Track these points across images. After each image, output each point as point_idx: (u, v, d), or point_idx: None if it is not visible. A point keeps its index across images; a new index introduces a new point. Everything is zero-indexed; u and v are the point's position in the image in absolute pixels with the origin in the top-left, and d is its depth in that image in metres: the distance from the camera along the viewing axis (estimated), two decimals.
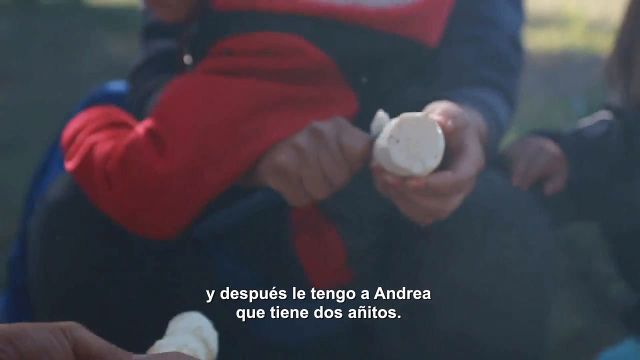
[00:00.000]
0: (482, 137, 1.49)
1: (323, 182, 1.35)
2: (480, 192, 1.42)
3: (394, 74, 1.50)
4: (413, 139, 1.25)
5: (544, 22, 5.32)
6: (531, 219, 1.49)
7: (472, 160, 1.33)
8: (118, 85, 1.81)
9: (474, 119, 1.47)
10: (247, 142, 1.39)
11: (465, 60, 1.60)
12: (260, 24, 1.44)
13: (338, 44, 1.44)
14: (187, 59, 1.55)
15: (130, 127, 1.50)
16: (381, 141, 1.29)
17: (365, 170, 1.37)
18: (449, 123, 1.32)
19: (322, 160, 1.34)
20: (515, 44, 1.67)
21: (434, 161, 1.26)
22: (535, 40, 4.89)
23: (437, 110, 1.34)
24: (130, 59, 1.70)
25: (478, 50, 1.61)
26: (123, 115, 1.53)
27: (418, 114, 1.26)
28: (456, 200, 1.33)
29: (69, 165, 1.48)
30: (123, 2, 7.04)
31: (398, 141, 1.25)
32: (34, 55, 5.66)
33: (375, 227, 1.52)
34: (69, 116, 1.70)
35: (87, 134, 1.48)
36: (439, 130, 1.26)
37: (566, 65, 4.46)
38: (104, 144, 1.45)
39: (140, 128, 1.45)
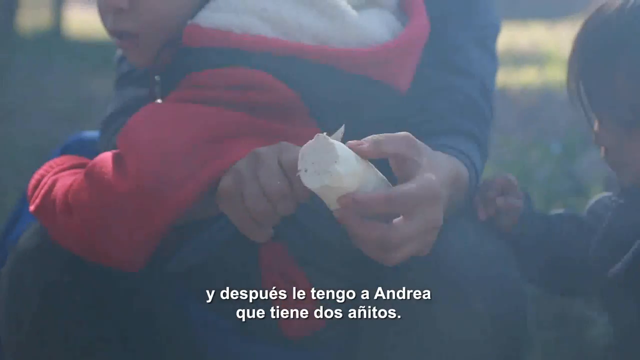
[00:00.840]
0: (461, 182, 1.49)
1: (262, 197, 1.33)
2: (450, 241, 1.42)
3: (362, 116, 1.50)
4: (316, 161, 1.26)
5: (522, 60, 5.36)
6: (502, 269, 1.49)
7: (417, 186, 1.28)
8: (92, 133, 1.80)
9: (450, 164, 1.47)
10: (208, 164, 1.39)
11: (438, 109, 1.60)
12: (230, 60, 1.44)
13: (306, 83, 1.45)
14: (159, 101, 1.56)
15: None
16: None
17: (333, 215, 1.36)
18: (364, 145, 1.30)
19: (260, 175, 1.33)
20: (487, 93, 1.67)
21: (336, 166, 1.25)
22: (514, 78, 4.93)
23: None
24: (109, 98, 1.70)
25: (452, 100, 1.61)
26: (88, 160, 1.53)
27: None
28: (403, 230, 1.27)
29: (32, 207, 1.48)
30: (102, 36, 7.06)
31: (306, 170, 1.27)
32: (13, 92, 5.66)
33: (346, 272, 1.52)
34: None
35: (50, 177, 1.49)
36: (331, 140, 1.26)
37: (544, 103, 4.49)
38: (65, 179, 1.46)
39: (105, 153, 1.45)
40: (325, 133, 1.28)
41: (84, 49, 7.17)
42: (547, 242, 1.63)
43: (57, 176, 1.47)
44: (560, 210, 1.71)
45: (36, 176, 1.52)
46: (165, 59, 1.51)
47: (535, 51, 5.49)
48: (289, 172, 1.32)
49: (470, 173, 1.54)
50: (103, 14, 1.51)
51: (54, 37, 8.24)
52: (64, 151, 1.74)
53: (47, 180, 1.48)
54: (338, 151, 1.26)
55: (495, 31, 1.76)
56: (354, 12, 1.49)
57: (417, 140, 1.33)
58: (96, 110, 5.03)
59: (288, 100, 1.44)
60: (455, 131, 1.58)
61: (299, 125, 1.45)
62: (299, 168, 1.27)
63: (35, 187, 1.50)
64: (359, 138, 1.32)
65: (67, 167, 1.50)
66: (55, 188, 1.45)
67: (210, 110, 1.42)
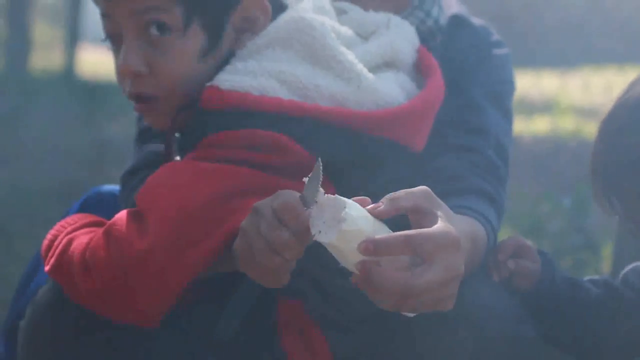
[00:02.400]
0: (479, 241, 1.50)
1: (270, 251, 1.32)
2: (466, 302, 1.42)
3: (377, 176, 1.52)
4: (327, 218, 1.26)
5: (534, 109, 5.38)
6: (517, 329, 1.50)
7: (435, 230, 1.27)
8: (111, 187, 1.81)
9: (467, 223, 1.48)
10: (225, 221, 1.41)
11: (456, 169, 1.61)
12: (247, 121, 1.46)
13: (322, 144, 1.47)
14: (176, 159, 1.58)
15: None
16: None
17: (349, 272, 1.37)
18: (381, 207, 1.29)
19: (262, 230, 1.32)
20: (503, 152, 1.69)
21: (348, 210, 1.25)
22: (525, 127, 4.94)
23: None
24: (122, 140, 1.71)
25: (469, 160, 1.63)
26: (100, 218, 1.55)
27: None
28: (424, 276, 1.24)
29: (47, 267, 1.49)
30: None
31: (320, 232, 1.26)
32: (26, 135, 5.66)
33: (361, 329, 1.52)
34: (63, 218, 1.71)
35: (64, 236, 1.50)
36: (332, 195, 1.26)
37: (555, 153, 4.49)
38: (81, 238, 1.47)
39: (124, 211, 1.47)
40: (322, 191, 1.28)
41: (98, 90, 7.18)
42: (570, 305, 1.63)
43: (72, 235, 1.48)
44: (596, 276, 1.72)
45: (49, 236, 1.53)
46: (183, 121, 1.53)
47: (547, 100, 5.51)
48: (284, 218, 1.29)
49: (487, 231, 1.55)
50: (122, 78, 1.53)
51: (67, 78, 8.26)
52: (83, 205, 1.75)
53: (62, 240, 1.49)
54: (344, 199, 1.26)
55: (510, 88, 1.78)
56: (369, 75, 1.51)
57: (434, 194, 1.33)
58: (109, 153, 5.03)
59: (304, 161, 1.45)
60: (471, 191, 1.59)
61: None
62: (312, 233, 1.26)
63: (49, 247, 1.51)
64: (374, 198, 1.33)
65: (80, 226, 1.51)
66: (72, 247, 1.46)
67: (227, 167, 1.44)
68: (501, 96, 1.75)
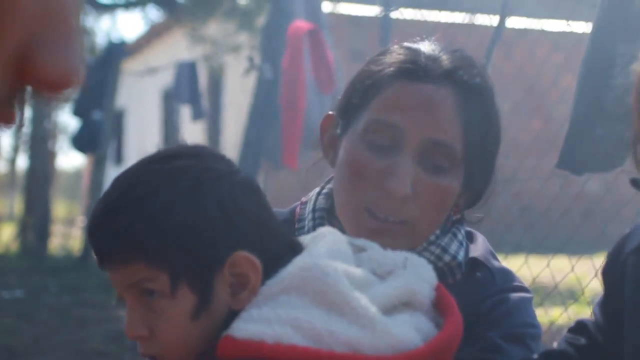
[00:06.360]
0: None
1: None
2: None
3: None
4: None
5: (545, 295, 5.37)
6: None
7: None
8: None
9: None
10: None
11: None
12: None
13: None
14: None
15: None
16: None
17: None
18: None
19: None
20: None
21: None
22: (539, 313, 4.91)
23: None
24: None
25: None
26: None
27: None
28: None
29: None
30: None
31: None
32: (43, 324, 5.64)
33: None
34: None
35: None
36: None
37: None
38: None
39: None
40: None
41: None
42: None
43: None
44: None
45: None
46: None
47: (558, 285, 5.52)
48: None
49: None
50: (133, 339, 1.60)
51: (84, 261, 8.31)
52: None
53: None
54: None
55: (533, 331, 1.80)
56: (384, 320, 1.53)
57: None
58: (125, 347, 5.02)
59: None
60: None
61: None
62: None
63: None
64: None
65: None
66: None
67: None
68: (522, 337, 1.77)
